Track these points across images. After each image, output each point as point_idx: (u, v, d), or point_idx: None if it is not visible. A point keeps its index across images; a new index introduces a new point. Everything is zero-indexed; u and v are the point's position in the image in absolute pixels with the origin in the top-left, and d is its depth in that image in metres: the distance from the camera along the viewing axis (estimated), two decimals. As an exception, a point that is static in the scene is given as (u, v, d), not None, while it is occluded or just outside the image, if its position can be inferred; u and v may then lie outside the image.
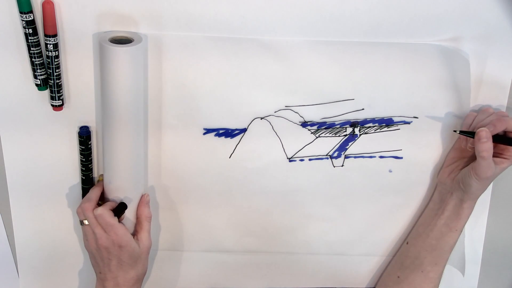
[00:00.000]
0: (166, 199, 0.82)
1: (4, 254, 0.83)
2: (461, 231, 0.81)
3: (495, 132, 0.73)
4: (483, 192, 0.79)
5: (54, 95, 0.72)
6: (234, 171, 0.81)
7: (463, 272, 0.87)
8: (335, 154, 0.82)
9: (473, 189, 0.77)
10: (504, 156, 0.76)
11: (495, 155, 0.75)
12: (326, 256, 0.88)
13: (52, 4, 0.67)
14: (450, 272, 0.88)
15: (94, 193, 0.76)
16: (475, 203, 0.80)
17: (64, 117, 0.75)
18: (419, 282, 0.83)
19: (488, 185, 0.79)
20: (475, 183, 0.76)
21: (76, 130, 0.76)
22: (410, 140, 0.81)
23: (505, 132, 0.75)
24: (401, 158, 0.82)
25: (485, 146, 0.73)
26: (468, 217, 0.81)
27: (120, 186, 0.75)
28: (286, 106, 0.78)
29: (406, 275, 0.84)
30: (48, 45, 0.69)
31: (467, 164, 0.79)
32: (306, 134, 0.80)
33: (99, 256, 0.75)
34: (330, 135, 0.80)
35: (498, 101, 0.80)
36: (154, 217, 0.82)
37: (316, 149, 0.81)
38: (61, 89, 0.73)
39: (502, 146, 0.76)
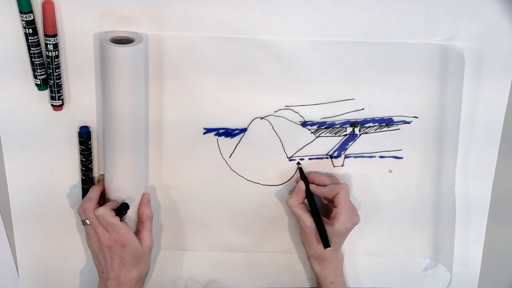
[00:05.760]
0: (167, 199, 0.82)
1: (4, 254, 0.83)
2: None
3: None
4: (314, 248, 0.81)
5: (54, 95, 0.72)
6: (234, 170, 0.81)
7: (450, 271, 0.87)
8: (335, 154, 0.82)
9: (303, 244, 0.84)
10: (332, 217, 0.79)
11: (328, 216, 0.80)
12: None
13: (52, 4, 0.67)
14: (445, 272, 0.89)
15: (94, 192, 0.76)
16: (322, 263, 0.82)
17: (64, 117, 0.75)
18: None
19: (313, 241, 0.80)
20: (300, 237, 0.84)
21: (76, 130, 0.76)
22: (410, 140, 0.81)
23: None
24: (401, 158, 0.82)
25: (294, 195, 0.80)
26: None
27: (121, 186, 0.75)
28: (286, 106, 0.78)
29: None
30: (48, 45, 0.69)
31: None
32: (306, 134, 0.80)
33: (102, 255, 0.75)
34: (330, 134, 0.80)
35: (498, 101, 0.80)
36: (156, 216, 0.82)
37: (316, 149, 0.81)
38: (61, 89, 0.73)
39: (332, 208, 0.80)
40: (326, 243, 0.78)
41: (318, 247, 0.80)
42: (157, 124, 0.77)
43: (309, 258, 0.83)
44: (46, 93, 0.73)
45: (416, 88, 0.78)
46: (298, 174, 0.82)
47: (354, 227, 0.80)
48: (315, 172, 0.82)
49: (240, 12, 0.71)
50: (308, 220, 0.79)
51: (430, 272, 0.91)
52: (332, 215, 0.79)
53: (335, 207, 0.78)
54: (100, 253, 0.75)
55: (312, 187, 0.80)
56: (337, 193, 0.78)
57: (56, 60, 0.70)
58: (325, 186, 0.80)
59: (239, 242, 0.86)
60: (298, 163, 0.81)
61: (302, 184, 0.80)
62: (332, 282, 0.82)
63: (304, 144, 0.80)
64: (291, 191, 0.83)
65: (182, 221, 0.84)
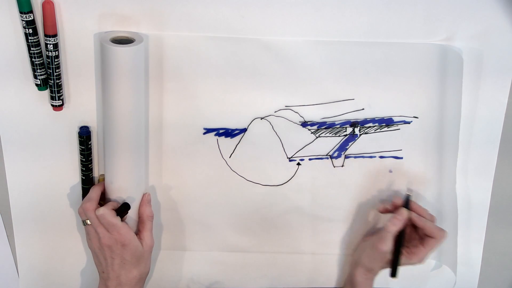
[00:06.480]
0: (167, 199, 0.82)
1: (4, 254, 0.83)
2: None
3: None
4: (375, 264, 0.81)
5: (54, 95, 0.72)
6: (234, 171, 0.81)
7: (455, 271, 0.87)
8: (335, 154, 0.82)
9: (365, 254, 0.82)
10: (413, 252, 0.79)
11: (407, 249, 0.80)
12: (326, 256, 0.88)
13: (52, 4, 0.67)
14: (449, 273, 0.89)
15: (95, 192, 0.76)
16: (370, 275, 0.82)
17: (64, 117, 0.75)
18: None
19: (381, 260, 0.80)
20: (368, 249, 0.81)
21: (76, 130, 0.76)
22: (410, 140, 0.81)
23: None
24: (401, 158, 0.82)
25: (396, 221, 0.78)
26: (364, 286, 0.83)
27: (121, 186, 0.75)
28: (286, 106, 0.78)
29: None
30: (48, 45, 0.69)
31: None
32: (306, 134, 0.80)
33: (102, 255, 0.75)
34: (330, 135, 0.80)
35: (498, 101, 0.80)
36: (156, 216, 0.82)
37: (316, 149, 0.81)
38: (61, 89, 0.73)
39: (417, 244, 0.80)
40: (394, 273, 0.79)
41: (376, 263, 0.80)
42: (157, 124, 0.77)
43: (357, 264, 0.83)
44: (46, 93, 0.73)
45: (416, 88, 0.78)
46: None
47: (355, 227, 0.80)
48: (417, 204, 0.81)
49: (240, 12, 0.71)
50: (388, 246, 0.79)
51: (434, 273, 0.91)
52: (414, 250, 0.79)
53: (422, 245, 0.79)
54: (100, 253, 0.75)
55: (414, 216, 0.79)
56: (435, 237, 0.78)
57: (56, 60, 0.70)
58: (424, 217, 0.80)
59: (239, 242, 0.86)
60: (409, 190, 0.81)
61: (406, 213, 0.79)
62: None
63: (304, 144, 0.80)
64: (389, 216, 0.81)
65: (182, 221, 0.84)
